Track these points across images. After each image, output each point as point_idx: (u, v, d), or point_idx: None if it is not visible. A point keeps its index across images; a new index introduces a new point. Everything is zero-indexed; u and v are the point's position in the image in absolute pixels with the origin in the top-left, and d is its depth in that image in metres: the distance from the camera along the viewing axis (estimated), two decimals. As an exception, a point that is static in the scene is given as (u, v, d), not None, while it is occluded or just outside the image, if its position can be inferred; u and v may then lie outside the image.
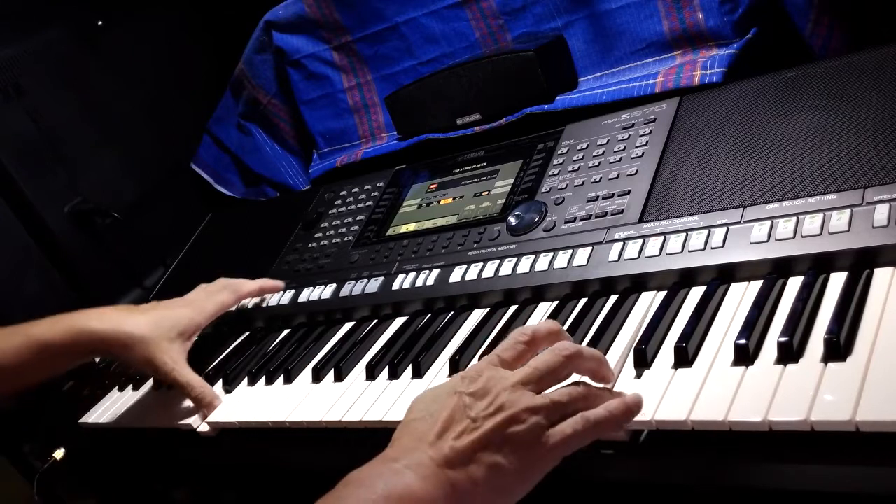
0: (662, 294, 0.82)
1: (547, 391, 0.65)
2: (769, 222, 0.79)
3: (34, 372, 1.00)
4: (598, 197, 0.96)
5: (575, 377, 0.69)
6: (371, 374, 0.92)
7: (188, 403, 1.03)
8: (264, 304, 1.19)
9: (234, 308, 1.15)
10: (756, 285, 0.77)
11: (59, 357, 1.00)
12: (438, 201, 1.16)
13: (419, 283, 1.03)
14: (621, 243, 0.88)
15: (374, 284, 1.08)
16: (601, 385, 0.69)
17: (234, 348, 1.17)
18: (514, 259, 0.96)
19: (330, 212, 1.30)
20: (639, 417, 0.67)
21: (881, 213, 0.72)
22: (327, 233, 1.26)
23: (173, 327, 1.01)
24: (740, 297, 0.77)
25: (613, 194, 0.95)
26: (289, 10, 1.43)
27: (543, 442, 0.62)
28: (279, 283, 1.18)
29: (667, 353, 0.73)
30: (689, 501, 0.75)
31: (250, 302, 1.21)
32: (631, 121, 1.04)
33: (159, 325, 1.00)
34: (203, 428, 0.99)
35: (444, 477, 0.60)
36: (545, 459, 0.62)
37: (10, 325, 1.00)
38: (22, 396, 1.29)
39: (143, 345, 0.98)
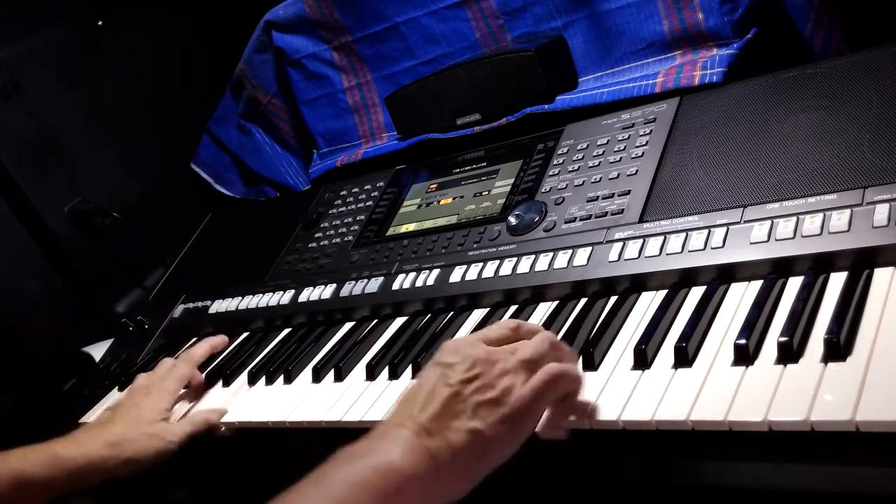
0: (662, 294, 0.82)
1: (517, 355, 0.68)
2: (769, 222, 0.79)
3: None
4: (598, 197, 0.96)
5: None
6: (371, 374, 0.92)
7: (188, 403, 1.03)
8: (264, 304, 1.19)
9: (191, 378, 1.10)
10: (756, 285, 0.77)
11: (44, 491, 0.92)
12: (438, 201, 1.16)
13: (419, 283, 1.03)
14: (621, 243, 0.88)
15: (374, 284, 1.08)
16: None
17: (234, 348, 1.17)
18: (514, 259, 0.96)
19: (330, 212, 1.30)
20: (639, 418, 0.67)
21: (881, 213, 0.72)
22: (327, 233, 1.26)
23: (143, 416, 0.97)
24: (740, 297, 0.77)
25: (613, 194, 0.95)
26: (289, 10, 1.43)
27: (517, 402, 0.64)
28: (224, 338, 1.17)
29: (667, 353, 0.73)
30: (689, 501, 0.75)
31: (250, 302, 1.21)
32: (631, 121, 1.04)
33: (134, 421, 0.97)
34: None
35: (424, 447, 0.62)
36: (522, 419, 0.65)
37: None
38: (22, 391, 1.29)
39: (134, 444, 0.94)
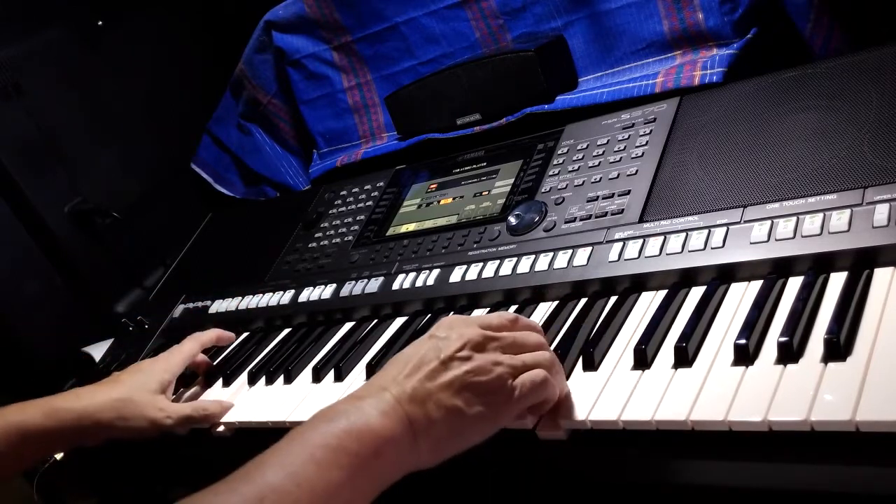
0: (662, 294, 0.82)
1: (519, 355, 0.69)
2: (769, 222, 0.79)
3: (13, 462, 0.95)
4: (598, 197, 0.96)
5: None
6: (371, 374, 0.92)
7: (187, 403, 1.03)
8: (264, 304, 1.19)
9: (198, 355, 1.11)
10: (756, 285, 0.77)
11: (41, 443, 0.94)
12: (438, 201, 1.16)
13: (419, 283, 1.03)
14: (621, 243, 0.88)
15: (374, 284, 1.08)
16: None
17: (234, 348, 1.17)
18: (514, 259, 0.96)
19: (330, 212, 1.30)
20: (639, 417, 0.67)
21: (881, 213, 0.72)
22: (327, 233, 1.26)
23: (147, 382, 0.98)
24: (740, 297, 0.77)
25: (613, 194, 0.95)
26: (289, 10, 1.43)
27: (505, 393, 0.65)
28: (231, 335, 1.17)
29: (667, 353, 0.73)
30: (689, 501, 0.75)
31: (250, 302, 1.21)
32: (631, 121, 1.05)
33: (138, 385, 0.97)
34: (219, 428, 0.99)
35: (403, 412, 0.63)
36: (504, 411, 0.66)
37: None
38: (22, 391, 1.29)
39: (133, 405, 0.95)
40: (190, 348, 1.07)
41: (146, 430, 0.95)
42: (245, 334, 1.20)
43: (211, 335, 1.13)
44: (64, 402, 0.94)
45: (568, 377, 0.76)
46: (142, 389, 0.97)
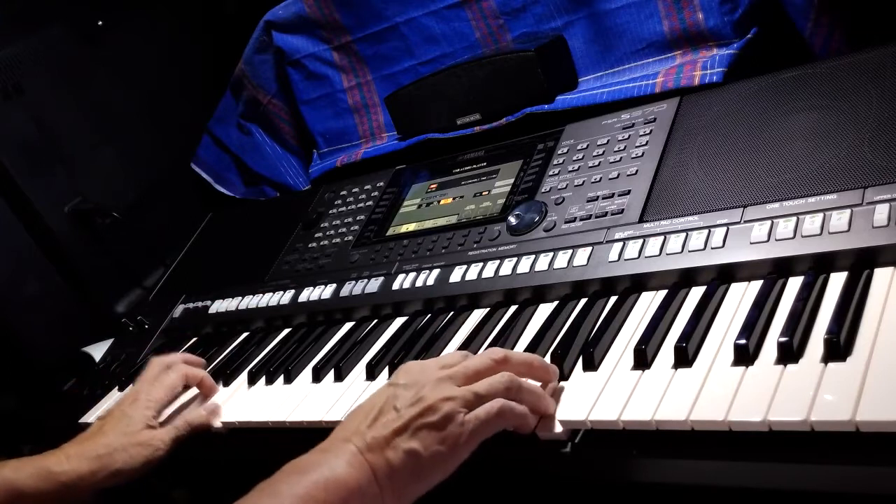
0: (662, 294, 0.82)
1: (471, 385, 0.70)
2: (769, 222, 0.79)
3: None
4: (598, 197, 0.96)
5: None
6: (371, 374, 0.92)
7: (188, 404, 1.03)
8: (264, 304, 1.19)
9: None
10: (756, 285, 0.77)
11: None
12: (438, 201, 1.16)
13: (419, 283, 1.03)
14: (621, 243, 0.88)
15: (374, 284, 1.08)
16: (539, 384, 0.74)
17: (234, 348, 1.17)
18: (514, 259, 0.96)
19: (330, 212, 1.30)
20: (639, 417, 0.67)
21: (881, 213, 0.72)
22: (327, 233, 1.26)
23: (130, 426, 0.96)
24: (740, 297, 0.77)
25: (613, 194, 0.95)
26: (289, 10, 1.43)
27: (457, 428, 0.67)
28: (201, 360, 1.10)
29: (667, 353, 0.73)
30: (689, 501, 0.75)
31: (250, 302, 1.21)
32: (631, 121, 1.04)
33: (121, 431, 0.96)
34: (216, 425, 0.99)
35: (365, 461, 0.65)
36: (459, 446, 0.67)
37: None
38: (22, 391, 1.29)
39: (121, 454, 0.94)
40: (172, 381, 1.02)
41: (143, 470, 0.95)
42: (245, 334, 1.20)
43: (195, 374, 1.06)
44: (56, 464, 0.93)
45: (568, 377, 0.76)
46: (126, 435, 0.95)
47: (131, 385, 1.05)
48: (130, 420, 0.97)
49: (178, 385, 1.03)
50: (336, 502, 0.63)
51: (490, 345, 0.87)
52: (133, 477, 0.95)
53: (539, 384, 0.74)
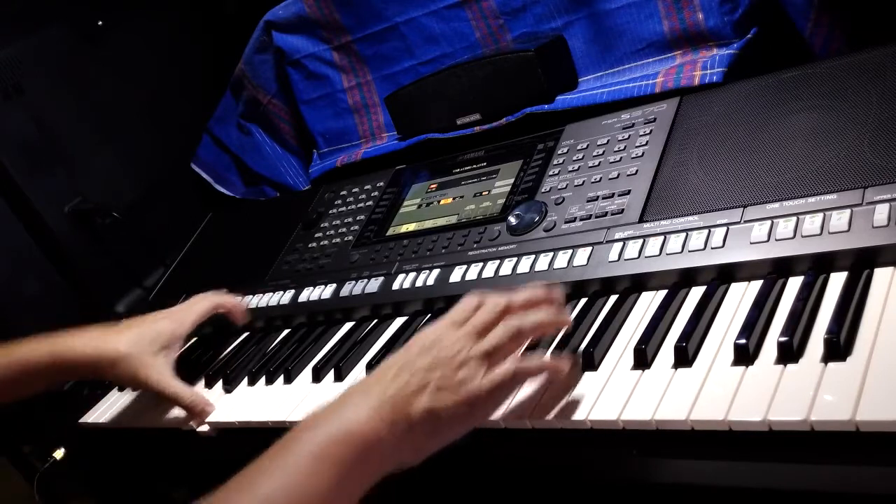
0: (662, 294, 0.82)
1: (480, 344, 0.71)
2: (769, 222, 0.79)
3: (14, 391, 1.01)
4: (598, 197, 0.97)
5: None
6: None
7: (183, 387, 1.03)
8: (264, 304, 1.19)
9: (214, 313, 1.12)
10: (756, 285, 0.77)
11: (40, 378, 1.01)
12: (438, 201, 1.16)
13: (419, 283, 1.03)
14: (621, 243, 0.88)
15: (374, 284, 1.08)
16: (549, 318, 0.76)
17: (234, 348, 1.17)
18: (514, 259, 0.96)
19: (330, 212, 1.30)
20: (639, 417, 0.67)
21: (881, 213, 0.72)
22: (327, 233, 1.26)
23: (154, 340, 1.01)
24: (740, 297, 0.77)
25: (613, 194, 0.95)
26: (289, 10, 1.43)
27: (474, 389, 0.68)
28: (244, 312, 1.16)
29: (667, 352, 0.73)
30: (689, 501, 0.75)
31: (250, 302, 1.21)
32: (631, 121, 1.04)
33: (140, 341, 1.00)
34: (203, 428, 0.99)
35: (385, 416, 0.65)
36: (477, 406, 0.69)
37: None
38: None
39: (126, 362, 0.98)
40: (203, 309, 1.08)
41: (137, 387, 1.03)
42: (245, 334, 1.20)
43: (227, 300, 1.13)
44: (69, 342, 0.99)
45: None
46: (144, 347, 0.99)
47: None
48: (155, 337, 1.01)
49: (209, 311, 1.09)
50: (354, 455, 0.63)
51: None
52: (124, 385, 1.05)
53: (548, 319, 0.76)
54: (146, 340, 1.00)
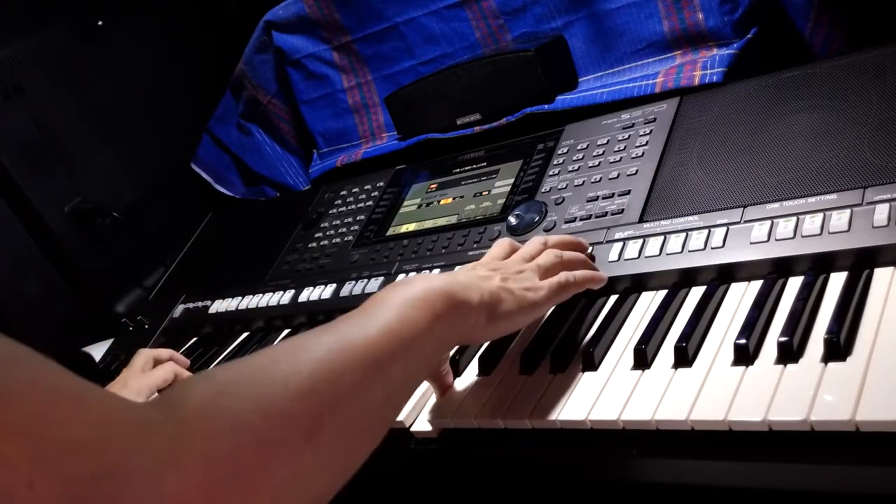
0: (662, 294, 0.82)
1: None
2: (769, 222, 0.79)
3: None
4: (598, 197, 0.96)
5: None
6: (371, 374, 0.92)
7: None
8: (264, 304, 1.19)
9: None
10: (756, 285, 0.77)
11: None
12: (438, 201, 1.16)
13: (419, 283, 1.03)
14: (621, 243, 0.88)
15: (374, 284, 1.08)
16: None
17: (234, 348, 1.17)
18: (514, 259, 0.96)
19: (330, 212, 1.30)
20: (639, 417, 0.67)
21: (881, 213, 0.72)
22: (327, 233, 1.26)
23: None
24: (740, 297, 0.77)
25: (613, 194, 0.95)
26: (289, 10, 1.43)
27: (535, 285, 0.76)
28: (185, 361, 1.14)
29: (667, 352, 0.73)
30: (688, 501, 0.75)
31: (250, 302, 1.21)
32: (631, 121, 1.04)
33: None
34: None
35: (463, 284, 0.70)
36: (539, 300, 0.75)
37: None
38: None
39: None
40: (163, 375, 1.04)
41: None
42: (245, 334, 1.20)
43: (163, 355, 1.10)
44: None
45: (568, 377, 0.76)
46: None
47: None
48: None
49: (169, 380, 1.05)
50: (444, 307, 0.65)
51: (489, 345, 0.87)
52: None
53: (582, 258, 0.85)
54: None
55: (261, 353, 0.55)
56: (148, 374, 1.04)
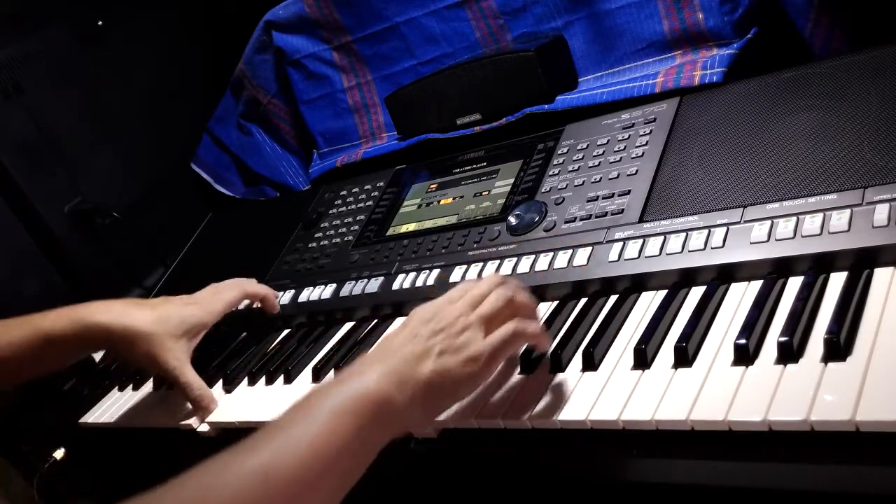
0: (662, 294, 0.82)
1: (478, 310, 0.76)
2: (769, 222, 0.79)
3: (38, 364, 1.00)
4: (598, 197, 0.97)
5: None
6: (371, 374, 0.92)
7: (189, 403, 1.03)
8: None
9: (241, 306, 1.14)
10: (756, 285, 0.77)
11: (64, 349, 0.99)
12: (438, 201, 1.16)
13: (419, 283, 1.03)
14: (621, 243, 0.88)
15: (374, 284, 1.08)
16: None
17: (234, 348, 1.17)
18: (514, 259, 0.96)
19: (330, 212, 1.30)
20: (639, 417, 0.67)
21: (881, 213, 0.72)
22: (327, 233, 1.26)
23: (180, 325, 1.00)
24: (740, 297, 0.77)
25: (613, 194, 0.95)
26: (289, 10, 1.43)
27: (478, 349, 0.72)
28: (276, 306, 1.17)
29: (667, 352, 0.73)
30: (688, 501, 0.75)
31: (250, 302, 1.21)
32: (631, 121, 1.05)
33: (166, 321, 0.99)
34: (203, 428, 0.99)
35: (395, 381, 0.69)
36: (482, 365, 0.72)
37: (15, 317, 0.99)
38: (22, 391, 1.30)
39: (148, 341, 0.97)
40: (232, 298, 1.08)
41: (151, 367, 0.99)
42: (244, 334, 1.20)
43: (259, 290, 1.13)
44: (94, 314, 0.97)
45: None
46: (168, 329, 0.98)
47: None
48: (180, 321, 1.00)
49: (238, 301, 1.09)
50: (369, 414, 0.65)
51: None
52: (140, 365, 1.04)
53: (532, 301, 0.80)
54: (172, 323, 0.99)
55: (171, 485, 0.58)
56: (217, 297, 1.07)
